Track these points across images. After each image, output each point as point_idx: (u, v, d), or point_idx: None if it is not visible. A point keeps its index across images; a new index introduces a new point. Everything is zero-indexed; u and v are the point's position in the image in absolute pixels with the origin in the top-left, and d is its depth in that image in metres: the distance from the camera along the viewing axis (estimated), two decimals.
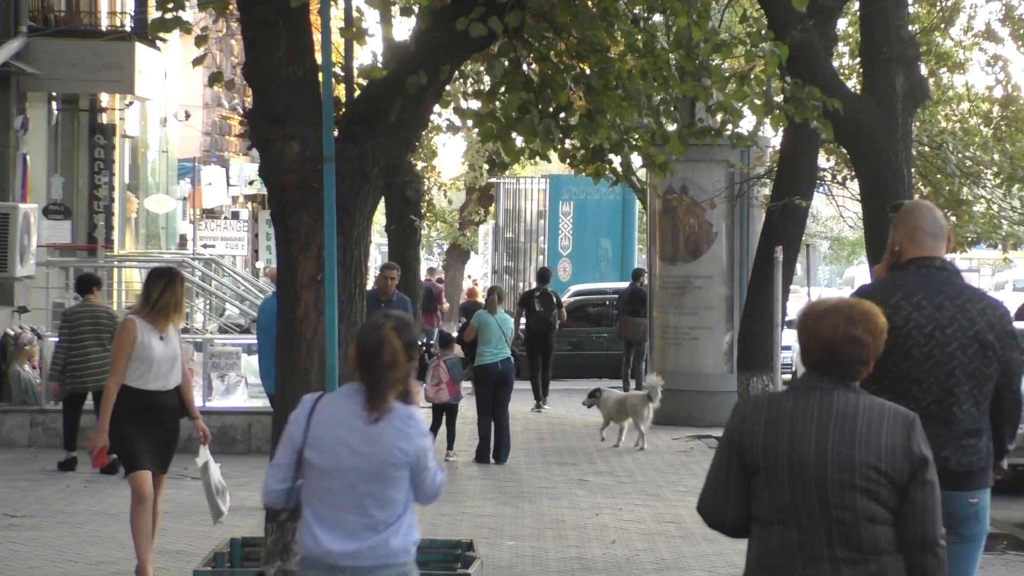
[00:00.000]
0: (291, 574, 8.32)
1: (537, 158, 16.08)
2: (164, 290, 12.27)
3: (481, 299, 35.11)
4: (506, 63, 12.95)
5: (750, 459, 6.95)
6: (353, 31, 11.83)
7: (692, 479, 20.84)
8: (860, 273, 52.57)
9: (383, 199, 17.13)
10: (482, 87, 14.56)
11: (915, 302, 9.12)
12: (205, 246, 39.43)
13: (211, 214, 44.88)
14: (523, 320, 28.90)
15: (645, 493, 19.13)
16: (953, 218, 24.12)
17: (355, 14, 12.22)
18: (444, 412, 22.00)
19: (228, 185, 46.00)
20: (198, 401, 23.08)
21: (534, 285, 34.11)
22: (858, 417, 6.90)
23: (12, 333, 22.93)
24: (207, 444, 12.68)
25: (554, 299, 29.61)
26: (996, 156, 24.00)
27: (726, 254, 27.14)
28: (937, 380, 9.14)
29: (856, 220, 23.18)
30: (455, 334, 26.67)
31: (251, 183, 45.27)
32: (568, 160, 14.75)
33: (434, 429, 22.08)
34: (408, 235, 30.76)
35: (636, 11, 13.69)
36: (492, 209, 46.88)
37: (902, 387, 9.03)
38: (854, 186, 21.55)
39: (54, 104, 27.34)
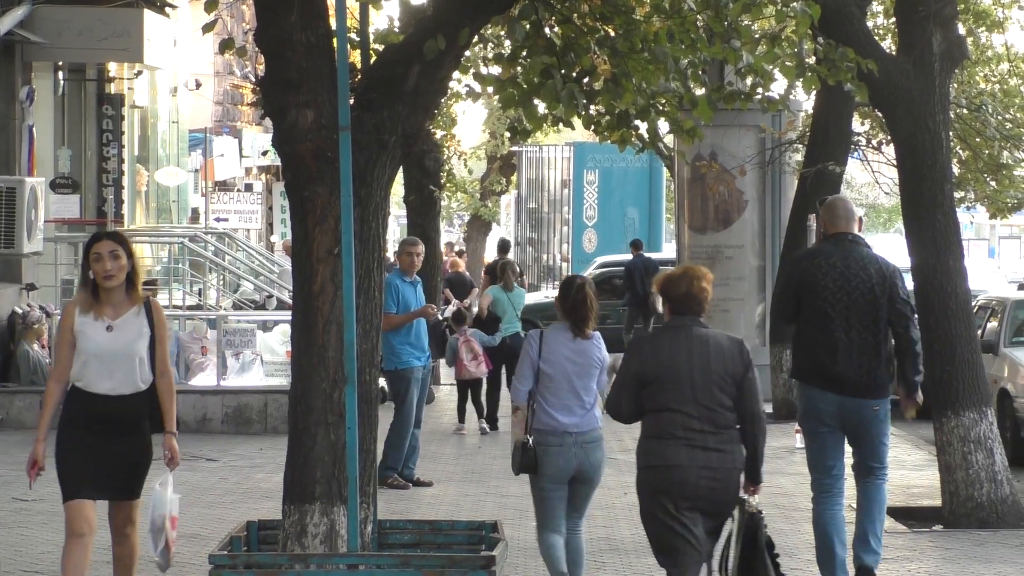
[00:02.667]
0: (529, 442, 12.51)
1: (560, 125, 16.00)
2: (89, 260, 10.04)
3: (463, 270, 35.47)
4: (527, 26, 12.91)
5: (644, 374, 11.31)
6: None
7: None
8: (886, 241, 52.26)
9: (401, 169, 17.16)
10: (503, 51, 14.55)
11: (831, 262, 13.65)
12: (218, 219, 39.47)
13: (224, 186, 44.95)
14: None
15: None
16: (993, 183, 24.06)
17: None
18: (470, 387, 22.24)
19: (241, 156, 45.95)
20: (210, 380, 23.16)
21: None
22: (709, 341, 11.33)
23: (20, 311, 23.00)
24: (173, 470, 10.58)
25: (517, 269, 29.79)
26: None
27: (758, 223, 27.12)
28: (841, 315, 13.42)
29: (892, 186, 23.08)
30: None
31: (264, 154, 45.26)
32: (592, 127, 14.76)
33: (461, 405, 22.16)
34: (427, 206, 30.70)
35: None
36: (514, 179, 46.91)
37: (816, 319, 13.59)
38: (890, 151, 21.51)
39: (60, 74, 27.35)
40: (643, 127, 14.71)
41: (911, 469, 19.27)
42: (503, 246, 34.26)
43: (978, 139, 23.27)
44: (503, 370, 22.89)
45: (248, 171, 47.02)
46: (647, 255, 34.12)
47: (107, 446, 9.98)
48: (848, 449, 13.55)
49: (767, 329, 22.93)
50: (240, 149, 45.82)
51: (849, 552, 13.29)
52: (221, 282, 27.20)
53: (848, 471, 13.56)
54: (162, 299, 26.44)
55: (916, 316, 14.07)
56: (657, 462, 10.91)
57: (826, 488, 13.36)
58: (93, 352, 9.81)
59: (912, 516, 16.56)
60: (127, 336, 9.92)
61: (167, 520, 10.12)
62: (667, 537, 10.80)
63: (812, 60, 17.82)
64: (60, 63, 26.82)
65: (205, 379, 23.00)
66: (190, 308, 25.61)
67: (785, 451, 19.70)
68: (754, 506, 11.04)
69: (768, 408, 24.34)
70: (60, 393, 10.03)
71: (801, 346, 13.87)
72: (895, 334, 13.28)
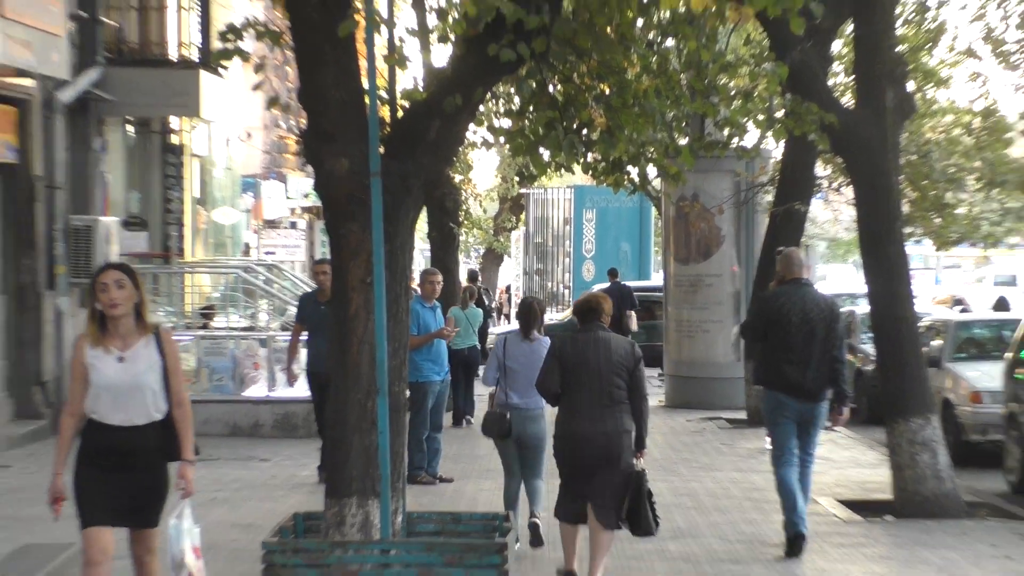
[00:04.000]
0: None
1: (562, 170, 16.01)
2: (96, 290, 9.02)
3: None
4: (533, 85, 12.96)
5: (564, 363, 13.16)
6: (396, 57, 11.83)
7: (704, 457, 20.86)
8: (844, 270, 52.26)
9: (424, 209, 17.17)
10: (512, 107, 14.61)
11: (793, 301, 15.03)
12: (267, 253, 39.55)
13: (271, 224, 45.07)
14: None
15: (663, 469, 19.10)
16: (938, 220, 24.11)
17: (397, 42, 12.20)
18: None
19: (286, 198, 46.16)
20: (261, 392, 23.16)
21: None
22: (610, 341, 13.25)
23: None
24: (187, 498, 9.33)
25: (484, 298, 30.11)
26: (977, 163, 23.97)
27: (733, 255, 27.17)
28: (801, 342, 14.84)
29: (851, 223, 23.04)
30: None
31: (306, 196, 45.36)
32: (590, 172, 14.76)
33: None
34: (447, 241, 30.78)
35: (650, 36, 13.69)
36: (523, 217, 46.83)
37: (780, 346, 14.99)
38: (848, 192, 21.46)
39: (129, 127, 27.36)
40: (634, 172, 14.75)
41: (866, 467, 19.25)
42: (471, 276, 35.14)
43: (925, 182, 23.27)
44: (459, 374, 23.30)
45: (293, 211, 47.08)
46: (622, 282, 34.24)
47: (123, 476, 8.98)
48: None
49: (742, 347, 22.86)
50: (285, 192, 46.02)
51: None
52: (270, 307, 27.15)
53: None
54: (219, 322, 26.49)
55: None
56: (570, 431, 12.94)
57: (785, 460, 14.86)
58: (104, 385, 8.88)
59: (866, 508, 16.58)
60: (138, 367, 8.95)
61: (187, 554, 9.17)
62: (571, 487, 13.07)
63: (781, 114, 17.90)
64: (129, 118, 26.84)
65: (257, 391, 22.98)
66: (244, 329, 25.56)
67: (758, 452, 19.65)
68: (640, 467, 12.84)
69: (743, 415, 24.44)
70: (74, 427, 9.07)
71: (770, 363, 15.19)
72: (831, 356, 14.82)
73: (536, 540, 14.35)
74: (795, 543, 14.35)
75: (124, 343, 8.92)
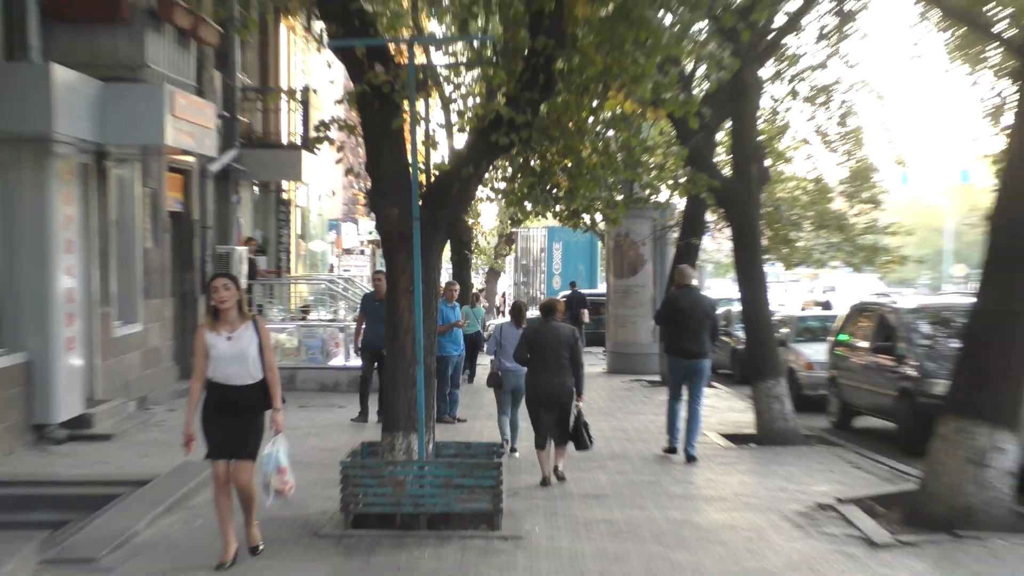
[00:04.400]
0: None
1: (539, 216, 16.17)
2: (209, 292, 9.09)
3: (482, 300, 35.51)
4: (520, 160, 12.98)
5: (531, 342, 13.57)
6: (429, 142, 11.96)
7: (632, 405, 20.73)
8: (717, 284, 51.95)
9: (448, 241, 17.04)
10: (506, 174, 14.54)
11: (685, 298, 15.52)
12: (344, 271, 39.64)
13: (348, 251, 45.07)
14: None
15: (605, 413, 19.09)
16: (785, 250, 24.08)
17: (431, 132, 12.31)
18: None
19: (357, 234, 46.23)
20: (339, 362, 23.08)
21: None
22: (559, 328, 13.56)
23: None
24: (277, 435, 9.24)
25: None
26: (810, 213, 23.93)
27: (651, 272, 27.14)
28: (693, 326, 15.27)
29: (728, 252, 22.97)
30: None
31: (370, 233, 45.34)
32: (558, 217, 14.77)
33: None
34: (463, 263, 31.17)
35: (598, 128, 13.65)
36: (513, 247, 46.79)
37: (678, 327, 15.42)
38: (727, 232, 21.37)
39: (255, 188, 27.27)
40: (587, 218, 14.92)
41: (739, 413, 19.18)
42: (478, 292, 35.20)
43: (777, 224, 23.18)
44: (468, 349, 22.45)
45: (361, 243, 46.94)
46: (579, 290, 34.40)
47: (233, 420, 8.99)
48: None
49: (657, 333, 22.74)
50: (357, 230, 46.03)
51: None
52: (346, 306, 27.05)
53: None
54: (313, 316, 26.39)
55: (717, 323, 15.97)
56: (535, 383, 13.50)
57: (674, 397, 15.52)
58: (218, 357, 8.93)
59: (738, 439, 16.50)
60: (241, 344, 8.98)
61: (274, 476, 9.06)
62: (537, 421, 13.55)
63: (683, 179, 17.78)
64: (255, 181, 26.81)
65: (336, 362, 22.90)
66: (329, 321, 25.49)
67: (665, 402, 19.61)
68: (578, 406, 13.46)
69: (657, 378, 24.32)
70: (199, 390, 9.07)
71: (671, 337, 15.75)
72: (712, 332, 15.50)
73: (514, 450, 15.25)
74: (671, 451, 15.46)
75: (231, 328, 8.98)
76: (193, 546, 9.76)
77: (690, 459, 14.90)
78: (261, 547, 9.35)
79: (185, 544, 9.85)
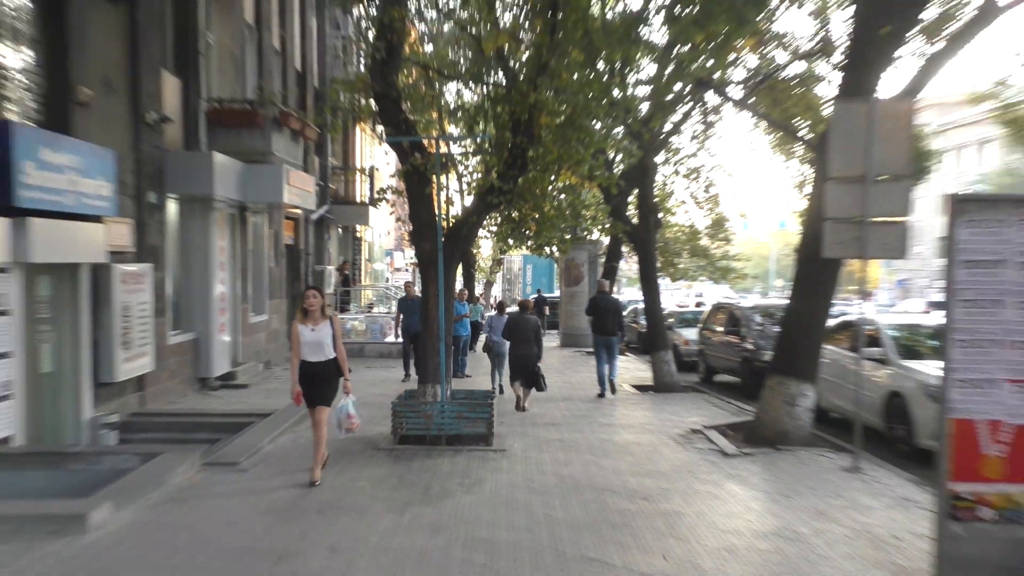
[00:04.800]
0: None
1: (517, 248, 16.09)
2: (303, 296, 8.68)
3: (416, 294, 35.21)
4: (506, 213, 12.90)
5: (511, 326, 13.50)
6: (449, 202, 11.82)
7: (575, 366, 20.52)
8: (629, 291, 51.93)
9: (461, 264, 17.07)
10: (497, 222, 14.52)
11: (602, 300, 15.31)
12: (394, 284, 39.55)
13: (398, 270, 44.94)
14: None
15: (558, 372, 18.96)
16: (671, 269, 23.95)
17: (450, 196, 12.25)
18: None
19: (404, 258, 45.95)
20: (390, 339, 23.09)
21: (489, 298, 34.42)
22: (529, 319, 13.46)
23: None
24: (348, 395, 8.80)
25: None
26: (687, 247, 23.82)
27: (587, 283, 27.01)
28: (607, 316, 15.19)
29: (636, 271, 22.94)
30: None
31: (412, 258, 45.32)
32: (529, 248, 14.74)
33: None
34: (469, 277, 30.76)
35: (555, 193, 13.62)
36: (501, 267, 46.56)
37: (598, 317, 15.35)
38: (635, 257, 21.32)
39: (339, 229, 27.14)
40: (548, 249, 14.67)
41: (643, 372, 19.05)
42: (479, 296, 34.77)
43: (666, 253, 23.10)
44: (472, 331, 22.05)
45: (406, 264, 46.78)
46: (544, 295, 34.08)
47: (317, 383, 8.56)
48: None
49: (589, 321, 22.64)
50: (404, 255, 45.81)
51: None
52: (396, 304, 27.14)
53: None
54: (376, 311, 26.28)
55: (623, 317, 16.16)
56: (514, 352, 13.56)
57: (600, 362, 15.42)
58: (305, 342, 8.50)
59: (641, 389, 16.39)
60: (320, 334, 8.52)
61: (344, 419, 8.68)
62: (514, 374, 13.66)
63: (608, 225, 17.75)
64: (340, 226, 26.70)
65: (389, 339, 22.76)
66: (385, 313, 25.41)
67: (594, 366, 19.54)
68: (539, 367, 13.60)
69: (590, 349, 24.21)
70: (298, 363, 8.56)
71: (595, 323, 15.52)
72: (618, 320, 15.48)
73: (501, 391, 15.11)
74: (601, 395, 15.15)
75: (315, 322, 8.53)
76: (298, 456, 9.67)
77: (613, 389, 15.52)
78: (318, 483, 8.55)
79: (293, 455, 9.78)
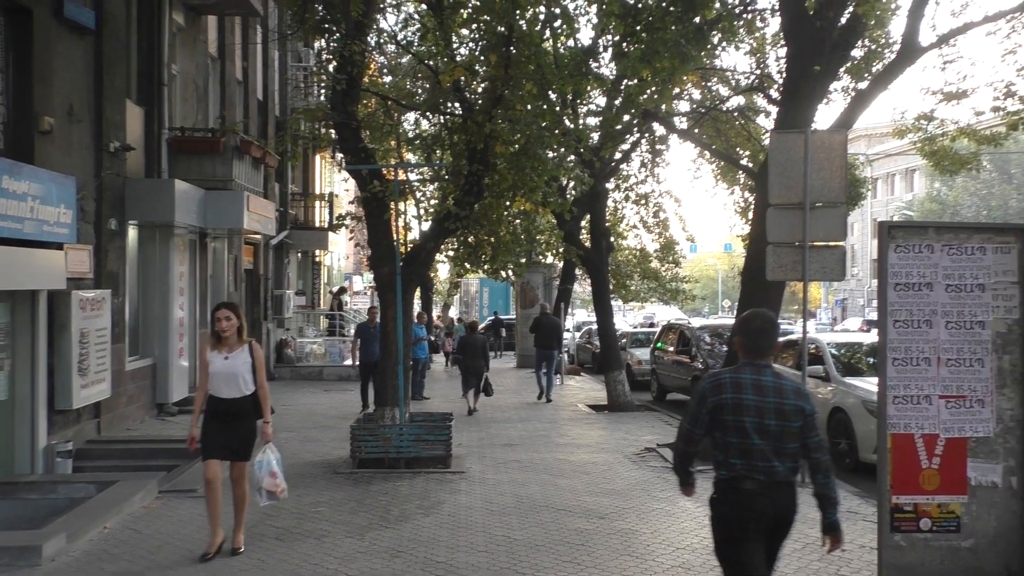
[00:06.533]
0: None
1: (474, 272, 16.10)
2: (215, 319, 6.93)
3: (437, 323, 34.98)
4: (463, 238, 12.89)
5: (464, 346, 15.04)
6: (407, 227, 11.79)
7: (531, 387, 20.35)
8: (586, 313, 51.92)
9: (419, 287, 16.98)
10: (454, 247, 14.51)
11: (544, 319, 16.76)
12: (354, 307, 39.16)
13: (356, 293, 44.68)
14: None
15: (514, 392, 18.90)
16: (623, 291, 24.06)
17: (407, 222, 12.19)
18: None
19: (363, 282, 45.66)
20: (348, 363, 22.79)
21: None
22: (477, 338, 15.12)
23: (284, 339, 22.55)
24: (266, 444, 6.96)
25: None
26: (638, 270, 23.99)
27: (539, 307, 27.01)
28: (548, 333, 17.05)
29: (589, 293, 23.07)
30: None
31: (371, 283, 45.10)
32: (486, 272, 14.74)
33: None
34: (428, 300, 30.65)
35: (510, 219, 13.67)
36: (459, 290, 46.48)
37: (541, 335, 17.07)
38: (588, 280, 21.41)
39: (299, 254, 26.87)
40: (503, 272, 14.73)
41: (597, 392, 19.12)
42: (434, 319, 34.47)
43: (618, 275, 23.19)
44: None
45: (365, 287, 46.50)
46: (500, 317, 33.99)
47: (228, 427, 6.82)
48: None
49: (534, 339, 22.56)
50: (363, 280, 45.54)
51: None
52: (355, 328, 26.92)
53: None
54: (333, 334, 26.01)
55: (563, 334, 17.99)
56: (466, 365, 15.13)
57: (539, 372, 16.98)
58: (217, 372, 6.81)
59: (596, 408, 16.39)
60: (235, 363, 6.81)
61: (266, 478, 6.87)
62: (466, 383, 15.52)
63: (562, 249, 17.80)
64: (299, 252, 26.43)
65: (347, 362, 22.45)
66: (343, 337, 25.22)
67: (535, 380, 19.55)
68: (487, 375, 15.64)
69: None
70: (203, 398, 6.90)
71: (537, 341, 17.16)
72: (558, 337, 17.02)
73: (473, 411, 15.53)
74: (539, 399, 16.89)
75: (229, 349, 6.85)
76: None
77: (548, 400, 17.06)
78: (243, 550, 6.92)
79: (254, 480, 9.53)
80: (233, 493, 7.04)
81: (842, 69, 12.01)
